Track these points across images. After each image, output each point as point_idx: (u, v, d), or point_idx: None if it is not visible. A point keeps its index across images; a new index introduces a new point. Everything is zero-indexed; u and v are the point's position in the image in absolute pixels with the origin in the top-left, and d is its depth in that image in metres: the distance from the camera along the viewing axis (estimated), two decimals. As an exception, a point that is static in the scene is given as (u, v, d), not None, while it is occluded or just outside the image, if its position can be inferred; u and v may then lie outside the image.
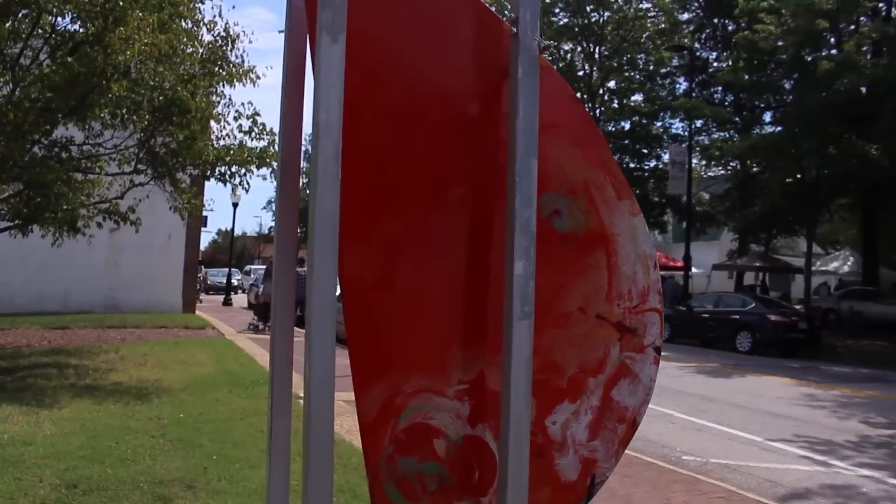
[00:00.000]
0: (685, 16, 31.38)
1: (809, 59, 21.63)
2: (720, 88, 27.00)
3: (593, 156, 1.23)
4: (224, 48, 10.98)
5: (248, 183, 11.67)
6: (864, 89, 20.05)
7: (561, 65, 32.74)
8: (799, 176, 24.75)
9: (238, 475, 6.22)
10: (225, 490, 5.77)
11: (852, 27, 22.25)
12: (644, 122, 32.46)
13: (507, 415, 1.07)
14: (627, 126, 33.40)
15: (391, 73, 1.15)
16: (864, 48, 20.76)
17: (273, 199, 57.62)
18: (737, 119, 26.76)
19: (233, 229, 34.79)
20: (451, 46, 1.18)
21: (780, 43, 20.66)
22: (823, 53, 21.49)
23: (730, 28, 28.06)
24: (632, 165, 33.04)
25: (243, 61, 11.14)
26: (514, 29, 1.10)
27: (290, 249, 1.26)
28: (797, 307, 24.12)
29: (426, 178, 1.16)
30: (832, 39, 22.54)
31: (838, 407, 12.21)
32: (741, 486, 7.04)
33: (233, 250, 38.95)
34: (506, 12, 1.12)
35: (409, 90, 1.16)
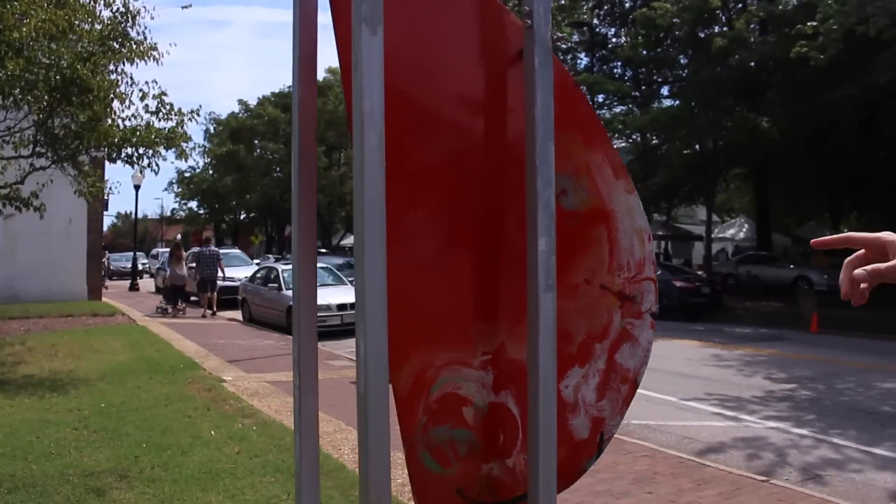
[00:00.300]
0: (585, -8, 31.99)
1: (703, 35, 22.48)
2: (620, 63, 27.69)
3: (593, 139, 1.33)
4: (124, 24, 10.55)
5: (157, 165, 11.31)
6: (753, 65, 21.01)
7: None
8: (697, 147, 25.78)
9: (171, 462, 6.13)
10: (160, 477, 5.69)
11: (741, 6, 23.23)
12: (547, 96, 33.00)
13: (535, 379, 1.16)
14: (532, 101, 33.83)
15: (411, 66, 1.21)
16: (753, 26, 21.74)
17: (174, 181, 55.82)
18: (637, 94, 27.54)
19: (136, 212, 33.62)
20: (463, 38, 1.25)
21: (675, 20, 21.39)
22: (716, 30, 22.37)
23: (627, 5, 28.76)
24: (537, 140, 33.56)
25: (145, 38, 10.73)
26: (529, 21, 1.18)
27: (310, 238, 1.31)
28: (699, 273, 25.23)
29: (448, 166, 1.23)
30: (723, 17, 23.48)
31: (743, 365, 12.94)
32: (662, 444, 7.44)
33: (136, 234, 37.77)
34: (521, 7, 1.20)
35: (429, 81, 1.22)
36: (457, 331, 1.24)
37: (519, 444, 1.29)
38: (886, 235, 1.08)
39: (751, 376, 11.96)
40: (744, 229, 35.96)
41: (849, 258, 1.11)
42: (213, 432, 7.39)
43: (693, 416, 8.87)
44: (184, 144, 11.21)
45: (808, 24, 14.83)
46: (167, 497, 5.27)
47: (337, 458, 6.81)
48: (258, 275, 19.03)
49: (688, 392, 10.15)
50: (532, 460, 1.17)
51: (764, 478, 6.52)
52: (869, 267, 1.03)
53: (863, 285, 1.03)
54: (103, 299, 22.55)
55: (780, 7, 20.71)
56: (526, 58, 1.19)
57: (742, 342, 15.38)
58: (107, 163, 15.78)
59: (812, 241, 1.23)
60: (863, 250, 1.10)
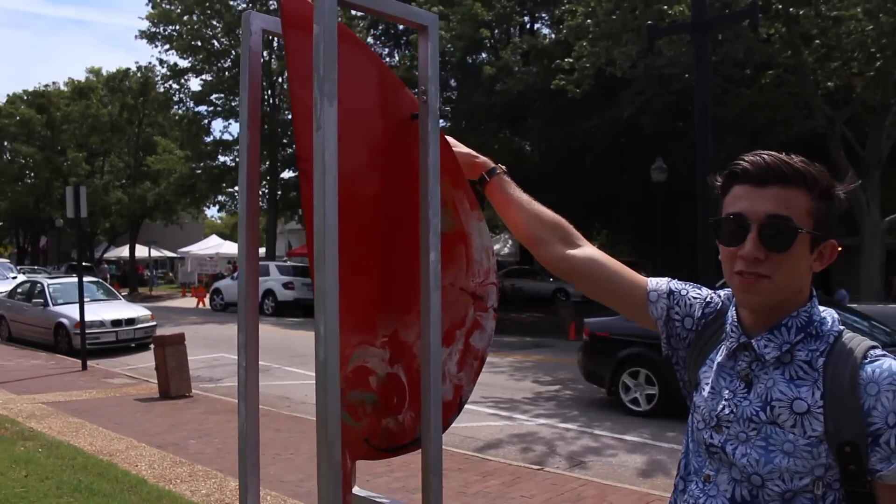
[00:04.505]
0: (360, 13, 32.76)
1: (471, 62, 24.10)
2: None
3: (458, 181, 1.84)
4: None
5: None
6: (517, 93, 22.93)
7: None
8: (466, 167, 27.42)
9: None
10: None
11: (506, 38, 25.22)
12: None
13: (427, 355, 1.64)
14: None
15: (353, 118, 1.65)
16: (517, 57, 23.70)
17: None
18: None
19: None
20: (377, 103, 1.72)
21: (449, 46, 22.79)
22: (484, 58, 24.05)
23: (401, 27, 29.94)
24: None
25: None
26: (425, 97, 1.67)
27: (254, 264, 1.70)
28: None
29: (368, 198, 1.69)
30: (489, 46, 25.33)
31: (514, 371, 14.14)
32: (448, 444, 8.15)
33: None
34: (419, 86, 1.68)
35: (358, 133, 1.68)
36: (367, 319, 1.70)
37: (406, 404, 1.76)
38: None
39: (521, 380, 13.16)
40: (508, 245, 38.38)
41: None
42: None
43: (473, 418, 9.72)
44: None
45: (566, 59, 16.59)
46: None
47: (136, 474, 6.78)
48: (19, 290, 17.60)
49: (466, 396, 11.05)
50: (424, 413, 1.65)
51: (538, 467, 7.42)
52: None
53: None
54: None
55: (542, 41, 22.79)
56: (421, 123, 1.67)
57: (511, 350, 16.71)
58: None
59: None
60: None
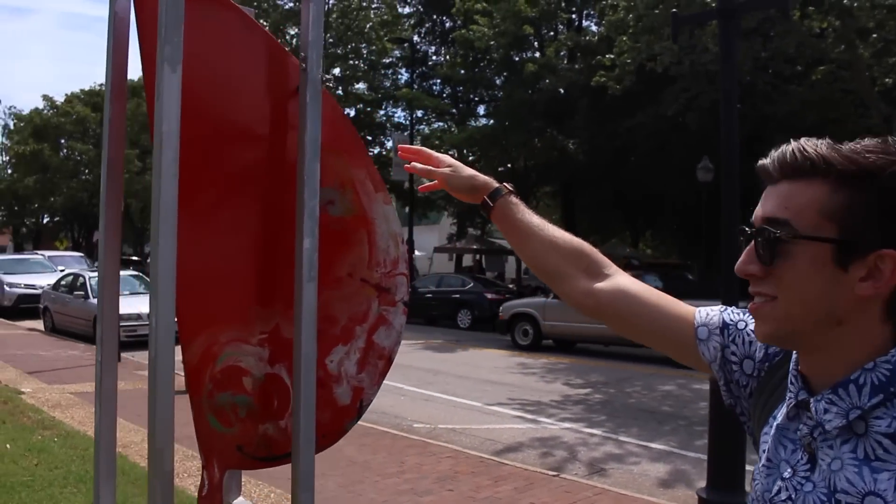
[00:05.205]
0: (406, 10, 32.74)
1: (517, 59, 23.81)
2: (439, 81, 28.62)
3: (357, 159, 1.65)
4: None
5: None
6: (562, 91, 22.55)
7: (288, 49, 32.64)
8: (509, 165, 27.17)
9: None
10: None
11: (552, 34, 24.84)
12: (368, 109, 33.38)
13: (298, 354, 1.45)
14: (352, 113, 34.13)
15: (205, 96, 1.47)
16: (562, 53, 23.32)
17: None
18: (454, 111, 28.56)
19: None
20: (252, 73, 1.53)
21: (492, 43, 22.53)
22: (528, 56, 23.74)
23: (447, 25, 29.82)
24: (358, 152, 33.76)
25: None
26: (304, 65, 1.48)
27: (115, 256, 1.53)
28: (510, 286, 26.44)
29: (232, 175, 1.51)
30: (536, 44, 25.00)
31: (546, 372, 13.86)
32: (465, 446, 7.96)
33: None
34: (299, 53, 1.50)
35: (219, 107, 1.49)
36: (238, 314, 1.52)
37: (290, 408, 1.57)
38: (446, 156, 1.61)
39: (552, 382, 12.87)
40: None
41: (421, 167, 1.60)
42: (8, 445, 7.07)
43: (496, 420, 9.49)
44: None
45: (607, 56, 16.22)
46: (-44, 514, 5.10)
47: (143, 467, 6.74)
48: (63, 282, 17.94)
49: (493, 398, 10.79)
50: (295, 421, 1.46)
51: (555, 473, 7.16)
52: (441, 172, 1.56)
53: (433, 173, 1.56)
54: None
55: (586, 38, 22.38)
56: (300, 94, 1.49)
57: (546, 351, 16.42)
58: None
59: (399, 146, 1.70)
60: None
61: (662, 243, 33.56)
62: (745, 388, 1.24)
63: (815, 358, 1.06)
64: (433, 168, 1.55)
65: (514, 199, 1.53)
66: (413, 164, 1.57)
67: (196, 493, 5.65)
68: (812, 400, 1.04)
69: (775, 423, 1.13)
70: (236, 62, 1.51)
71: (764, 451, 1.14)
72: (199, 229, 1.46)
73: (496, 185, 1.55)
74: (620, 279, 1.41)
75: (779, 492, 1.07)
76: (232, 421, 1.52)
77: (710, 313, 1.29)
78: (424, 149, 1.60)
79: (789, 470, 1.07)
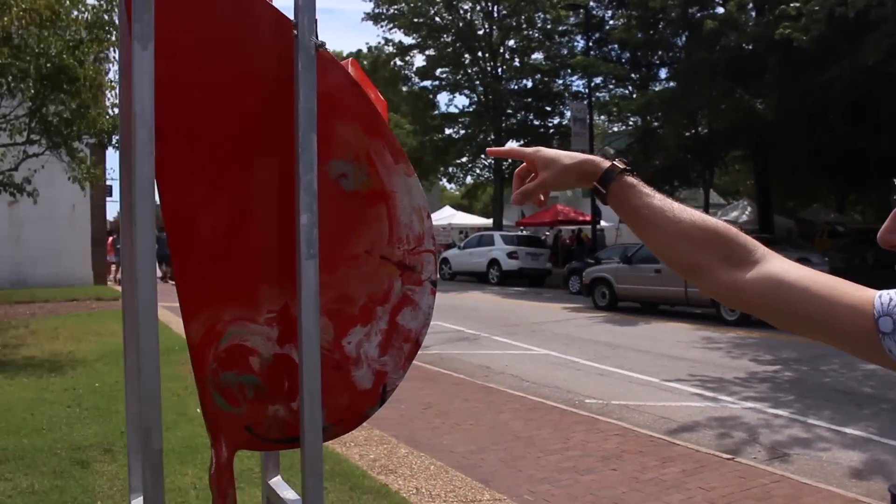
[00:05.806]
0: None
1: (697, 17, 22.47)
2: (616, 46, 27.69)
3: (373, 130, 1.55)
4: (112, 11, 10.73)
5: (149, 151, 11.53)
6: (749, 47, 20.99)
7: (461, 24, 32.88)
8: (693, 130, 25.81)
9: (154, 437, 6.44)
10: (143, 451, 6.00)
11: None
12: (545, 79, 32.99)
13: (300, 334, 1.40)
14: (529, 84, 33.87)
15: (198, 66, 1.44)
16: (749, 6, 21.68)
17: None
18: (634, 76, 27.53)
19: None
20: (252, 41, 1.48)
21: (669, 1, 21.39)
22: (708, 12, 22.33)
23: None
24: (536, 123, 33.47)
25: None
26: (295, 32, 1.41)
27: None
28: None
29: (236, 148, 1.47)
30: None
31: (732, 347, 13.08)
32: (636, 424, 7.61)
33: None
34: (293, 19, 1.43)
35: (216, 78, 1.45)
36: (243, 292, 1.48)
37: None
38: (541, 150, 1.35)
39: (738, 358, 12.09)
40: (747, 211, 35.83)
41: (517, 170, 1.40)
42: (198, 410, 7.68)
43: (672, 397, 9.04)
44: None
45: (791, 4, 14.83)
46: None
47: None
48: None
49: (672, 374, 10.31)
50: (301, 405, 1.41)
51: (730, 456, 6.62)
52: (537, 181, 1.33)
53: (542, 196, 1.34)
54: (108, 284, 22.91)
55: (772, -13, 20.69)
56: (295, 62, 1.42)
57: (735, 325, 15.47)
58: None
59: (487, 149, 1.50)
60: (524, 163, 1.38)
61: (871, 206, 30.62)
62: None
63: None
64: (527, 187, 1.33)
65: (630, 178, 1.25)
66: (514, 193, 1.36)
67: (357, 462, 5.79)
68: None
69: None
70: (235, 31, 1.46)
71: None
72: (199, 204, 1.44)
73: (605, 165, 1.28)
74: (771, 265, 1.16)
75: None
76: (239, 401, 1.50)
77: (894, 298, 1.02)
78: (513, 148, 1.45)
79: None
